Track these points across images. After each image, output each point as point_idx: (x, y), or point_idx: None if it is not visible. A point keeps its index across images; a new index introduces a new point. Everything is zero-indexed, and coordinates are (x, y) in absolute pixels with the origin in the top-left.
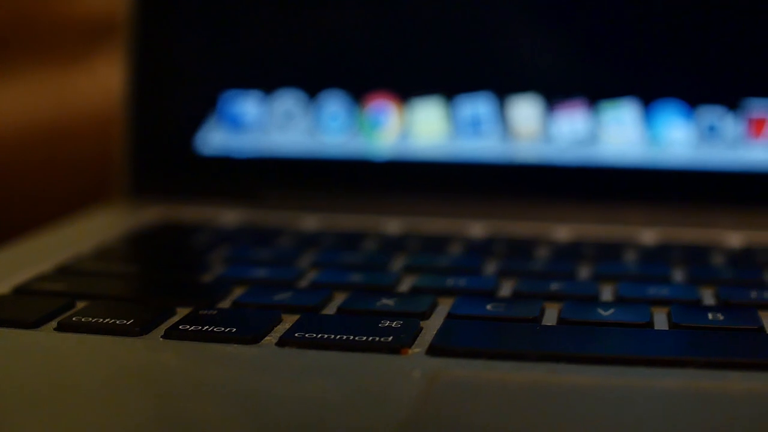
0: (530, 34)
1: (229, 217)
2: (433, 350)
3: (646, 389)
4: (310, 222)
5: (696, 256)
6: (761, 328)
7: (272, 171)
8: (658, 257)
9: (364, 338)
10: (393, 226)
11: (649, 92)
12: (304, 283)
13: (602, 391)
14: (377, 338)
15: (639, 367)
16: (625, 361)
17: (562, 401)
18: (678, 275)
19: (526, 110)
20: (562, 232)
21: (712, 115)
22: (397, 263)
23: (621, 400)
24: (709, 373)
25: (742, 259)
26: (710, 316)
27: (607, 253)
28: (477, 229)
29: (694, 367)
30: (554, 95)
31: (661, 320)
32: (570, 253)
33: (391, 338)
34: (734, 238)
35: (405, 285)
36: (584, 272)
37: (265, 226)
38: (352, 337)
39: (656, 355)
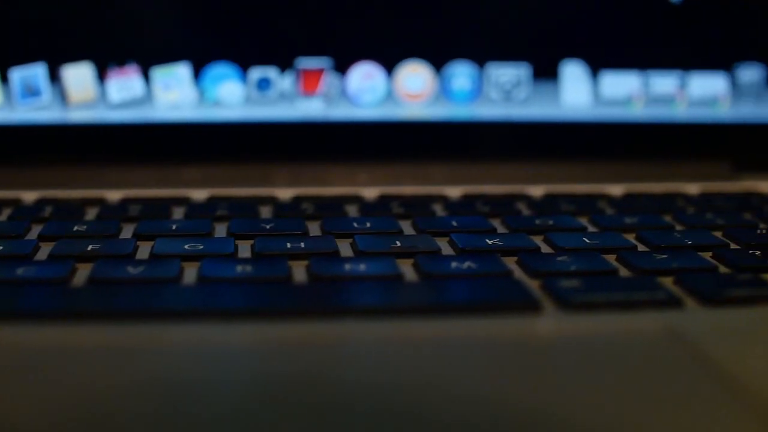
0: (78, 3)
1: None
2: None
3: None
4: None
5: (241, 209)
6: (287, 278)
7: None
8: (203, 212)
9: None
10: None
11: (202, 56)
12: None
13: (127, 347)
14: None
15: (156, 323)
16: (129, 316)
17: (84, 361)
18: (220, 230)
19: (79, 76)
20: (115, 194)
21: (264, 73)
22: None
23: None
24: (220, 325)
25: (289, 210)
26: (239, 268)
27: (153, 212)
28: None
29: (208, 320)
30: (107, 61)
31: (191, 275)
32: (117, 214)
33: None
34: (284, 192)
35: None
36: (126, 231)
37: None
38: None
39: (173, 308)
